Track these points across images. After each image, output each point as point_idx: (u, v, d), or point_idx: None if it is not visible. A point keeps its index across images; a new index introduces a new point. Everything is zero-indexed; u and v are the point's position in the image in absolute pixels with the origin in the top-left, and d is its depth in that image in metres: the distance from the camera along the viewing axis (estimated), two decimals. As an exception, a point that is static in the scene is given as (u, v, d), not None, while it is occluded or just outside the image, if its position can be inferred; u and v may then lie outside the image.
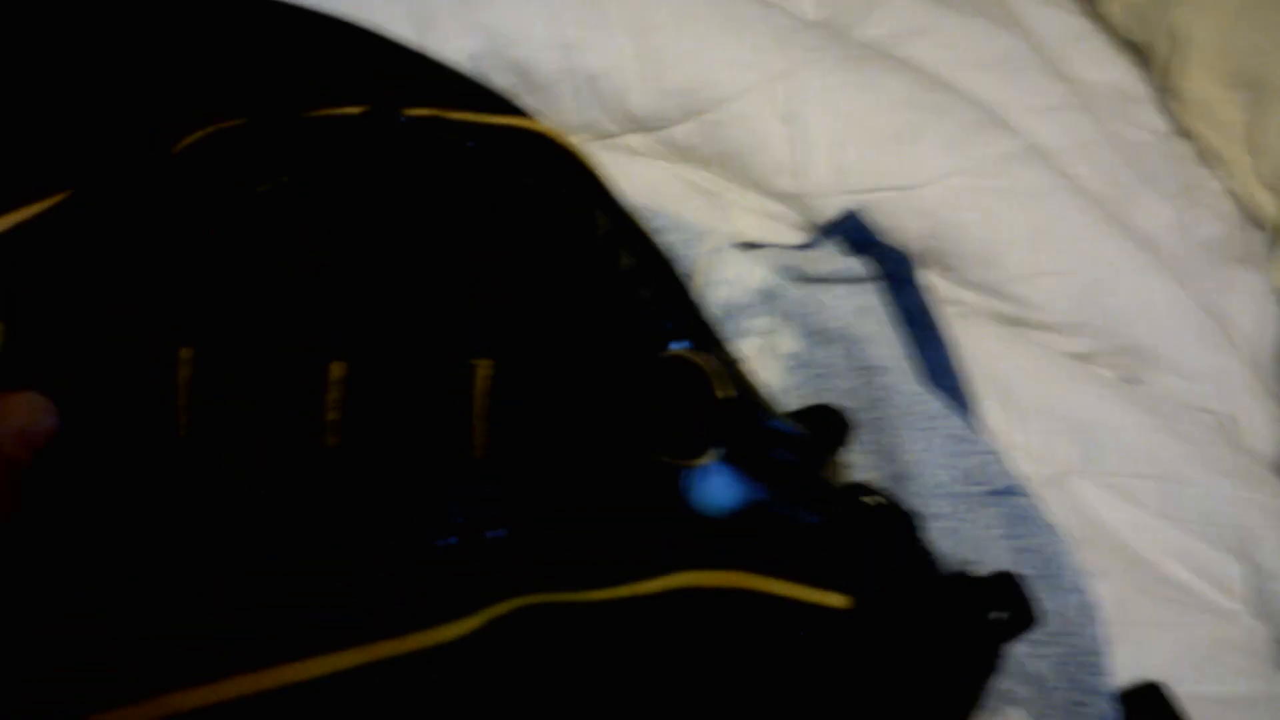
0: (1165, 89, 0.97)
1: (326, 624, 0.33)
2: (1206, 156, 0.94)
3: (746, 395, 0.56)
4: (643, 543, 0.40)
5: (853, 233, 0.72)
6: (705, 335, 0.59)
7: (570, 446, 0.42)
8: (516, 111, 0.47)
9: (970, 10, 0.93)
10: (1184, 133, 0.96)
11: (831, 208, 0.74)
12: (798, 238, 0.76)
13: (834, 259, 0.70)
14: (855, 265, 0.70)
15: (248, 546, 0.35)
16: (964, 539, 0.59)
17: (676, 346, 0.52)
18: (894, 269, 0.71)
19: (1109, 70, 0.99)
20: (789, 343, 0.66)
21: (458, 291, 0.42)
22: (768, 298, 0.66)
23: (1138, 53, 1.00)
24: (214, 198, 0.39)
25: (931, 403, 0.63)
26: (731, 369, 0.59)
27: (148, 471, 0.35)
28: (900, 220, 0.73)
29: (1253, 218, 0.91)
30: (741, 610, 0.41)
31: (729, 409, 0.49)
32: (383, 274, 0.41)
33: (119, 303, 0.36)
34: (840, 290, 0.68)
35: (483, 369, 0.40)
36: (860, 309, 0.68)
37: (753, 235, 0.75)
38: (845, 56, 0.77)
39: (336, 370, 0.37)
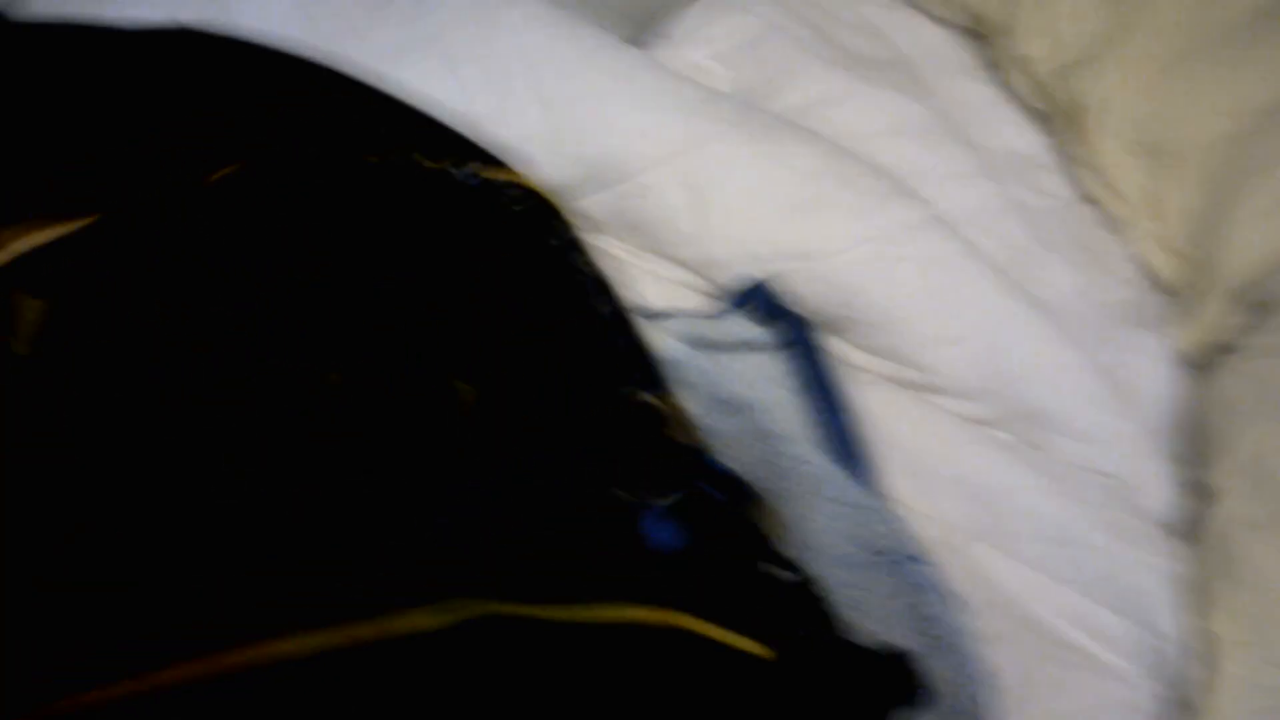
0: (1070, 156, 0.99)
1: (298, 604, 0.33)
2: (1110, 222, 0.97)
3: (697, 441, 0.58)
4: (600, 571, 0.42)
5: (759, 302, 0.74)
6: (662, 385, 0.60)
7: (537, 471, 0.44)
8: (506, 167, 0.51)
9: (882, 80, 0.96)
10: (1089, 198, 0.98)
11: (737, 277, 0.75)
12: (705, 305, 0.77)
13: (739, 327, 0.71)
14: (761, 333, 0.71)
15: (228, 524, 0.36)
16: (865, 607, 0.60)
17: (645, 393, 0.55)
18: (799, 337, 0.72)
19: (1016, 138, 1.02)
20: (692, 411, 0.67)
21: (447, 317, 0.45)
22: (671, 367, 0.67)
23: (1045, 120, 1.03)
24: (245, 222, 0.42)
25: (831, 470, 0.64)
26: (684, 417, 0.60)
27: (153, 453, 0.36)
28: (805, 289, 0.75)
29: (1155, 282, 0.93)
30: (677, 650, 0.43)
31: (685, 453, 0.51)
32: (381, 298, 0.43)
33: (146, 306, 0.38)
34: (745, 358, 0.70)
35: (465, 392, 0.42)
36: (764, 376, 0.69)
37: (660, 303, 0.76)
38: (755, 128, 0.78)
39: (334, 379, 0.40)
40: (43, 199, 0.39)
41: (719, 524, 0.52)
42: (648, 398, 0.48)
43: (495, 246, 0.49)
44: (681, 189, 0.75)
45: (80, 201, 0.40)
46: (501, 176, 0.51)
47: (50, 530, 0.34)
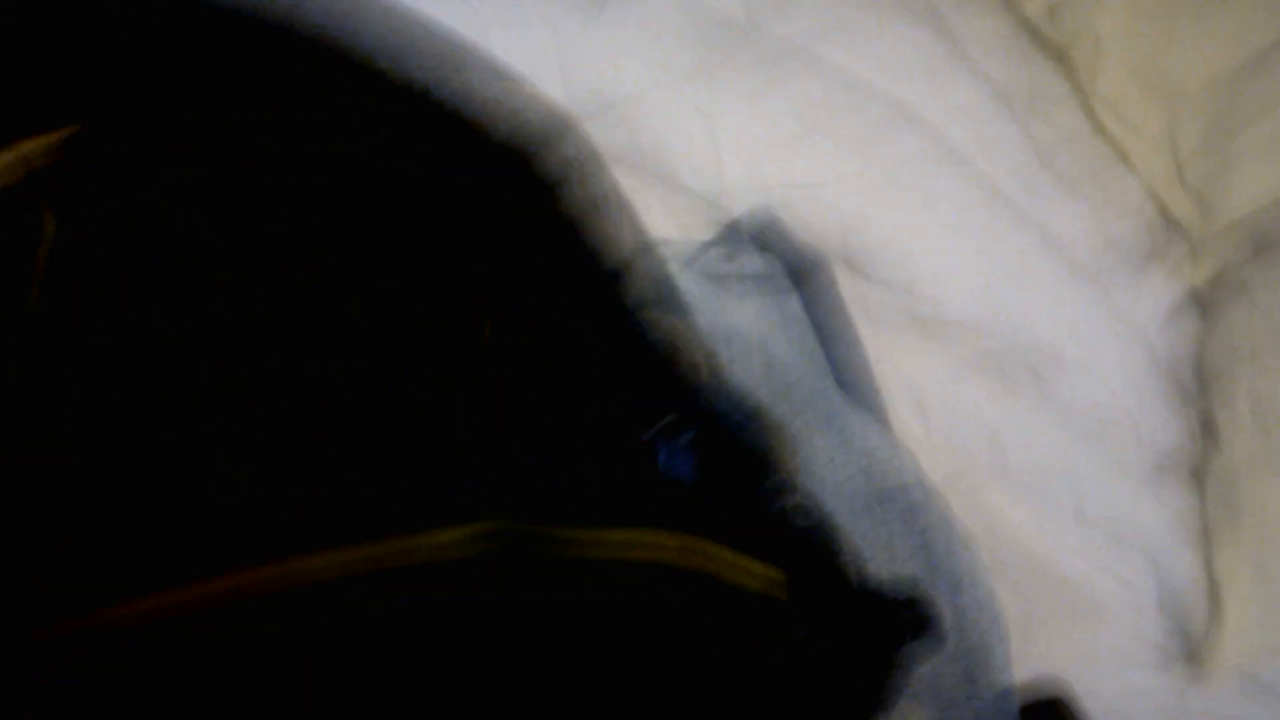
0: (1082, 89, 0.97)
1: (317, 521, 0.33)
2: (1122, 156, 0.95)
3: (707, 363, 0.58)
4: (613, 492, 0.43)
5: (763, 230, 0.72)
6: (676, 311, 0.60)
7: (550, 392, 0.44)
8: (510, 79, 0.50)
9: (889, 9, 0.93)
10: (1100, 132, 0.97)
11: (741, 205, 0.74)
12: (716, 236, 0.76)
13: (739, 257, 0.70)
14: (764, 262, 0.70)
15: (243, 435, 0.35)
16: (865, 535, 0.59)
17: (659, 317, 0.55)
18: (803, 267, 0.71)
19: (1027, 70, 1.00)
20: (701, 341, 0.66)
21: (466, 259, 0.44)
22: (680, 295, 0.66)
23: (1057, 53, 1.01)
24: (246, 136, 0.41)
25: (835, 400, 0.63)
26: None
27: (169, 376, 0.35)
28: (809, 218, 0.73)
29: (1169, 217, 0.92)
30: (695, 580, 0.43)
31: (695, 375, 0.51)
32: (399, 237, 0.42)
33: (156, 226, 0.38)
34: (748, 286, 0.68)
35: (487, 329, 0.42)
36: (768, 306, 0.68)
37: (666, 233, 0.75)
38: (758, 54, 0.77)
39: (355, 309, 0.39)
40: (40, 109, 0.38)
41: (732, 454, 0.51)
42: (658, 317, 0.48)
43: (497, 178, 0.48)
44: (686, 115, 0.73)
45: (75, 111, 0.38)
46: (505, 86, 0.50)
47: (69, 447, 0.33)
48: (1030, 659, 0.60)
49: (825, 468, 0.60)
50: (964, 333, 0.75)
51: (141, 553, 0.31)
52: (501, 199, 0.49)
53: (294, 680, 0.31)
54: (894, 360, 0.70)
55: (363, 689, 0.32)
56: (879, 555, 0.58)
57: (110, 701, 0.29)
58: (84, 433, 0.34)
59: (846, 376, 0.67)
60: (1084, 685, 0.60)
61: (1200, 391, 0.79)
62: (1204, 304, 0.85)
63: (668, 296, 0.56)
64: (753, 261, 0.69)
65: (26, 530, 0.30)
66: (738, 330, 0.65)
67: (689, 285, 0.66)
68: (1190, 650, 0.65)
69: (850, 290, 0.74)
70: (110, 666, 0.29)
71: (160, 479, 0.33)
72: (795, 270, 0.70)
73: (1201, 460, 0.75)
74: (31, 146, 0.36)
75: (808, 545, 0.55)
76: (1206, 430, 0.76)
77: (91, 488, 0.32)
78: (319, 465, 0.36)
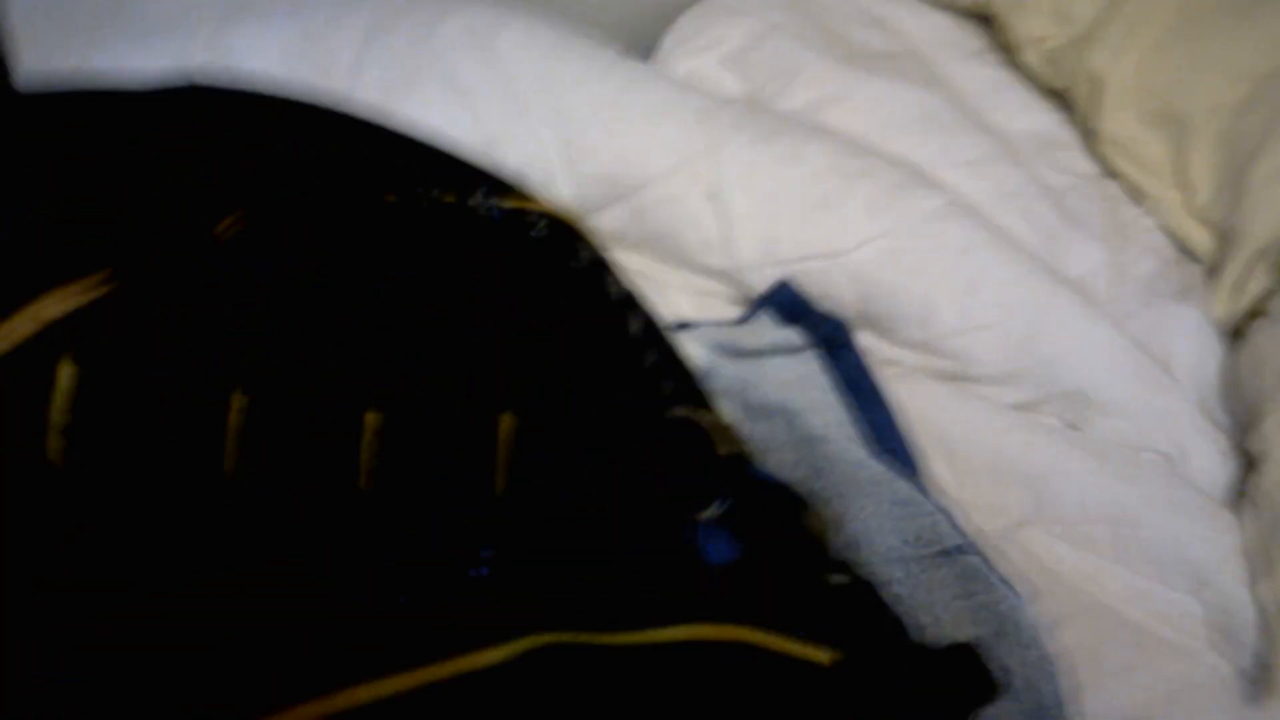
0: (1089, 132, 0.98)
1: (372, 651, 0.34)
2: (1135, 195, 0.96)
3: (740, 450, 0.58)
4: (656, 591, 0.42)
5: (786, 303, 0.73)
6: (700, 397, 0.60)
7: (585, 494, 0.44)
8: (532, 197, 0.51)
9: (888, 72, 0.95)
10: (1111, 174, 0.97)
11: (762, 280, 0.74)
12: (732, 312, 0.77)
13: (768, 331, 0.70)
14: (790, 335, 0.70)
15: (289, 580, 0.35)
16: (918, 602, 0.59)
17: (683, 407, 0.55)
18: (829, 336, 0.71)
19: (1032, 119, 1.01)
20: (730, 419, 0.66)
21: (483, 349, 0.45)
22: (705, 377, 0.67)
23: (1059, 99, 1.02)
24: (264, 266, 0.42)
25: (875, 468, 0.63)
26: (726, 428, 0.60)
27: (197, 507, 0.36)
28: (832, 287, 0.74)
29: (1184, 251, 0.92)
30: (741, 662, 0.43)
31: (730, 465, 0.51)
32: (415, 335, 0.44)
33: (179, 357, 0.39)
34: (777, 362, 0.69)
35: (505, 422, 0.42)
36: (799, 378, 0.68)
37: (687, 314, 0.75)
38: (765, 130, 0.78)
39: (372, 420, 0.40)
40: (59, 266, 0.39)
41: (770, 532, 0.51)
42: (686, 412, 0.48)
43: (520, 274, 0.49)
44: (701, 196, 0.74)
45: (95, 263, 0.40)
46: (519, 204, 0.51)
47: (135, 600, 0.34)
48: (1102, 700, 0.59)
49: (874, 538, 0.60)
50: (993, 385, 0.75)
51: (220, 687, 0.31)
52: (528, 297, 0.49)
53: None
54: (930, 419, 0.70)
55: None
56: (939, 621, 0.57)
57: None
58: (134, 581, 0.35)
59: (885, 440, 0.67)
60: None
61: (1234, 422, 0.79)
62: (1232, 334, 0.85)
63: (698, 385, 0.57)
64: (779, 335, 0.69)
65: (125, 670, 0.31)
66: (771, 407, 0.65)
67: (718, 367, 0.66)
68: (1255, 679, 0.64)
69: (878, 353, 0.75)
70: None
71: (229, 622, 0.33)
72: (822, 340, 0.71)
73: (1241, 489, 0.74)
74: (45, 303, 0.37)
75: (864, 619, 0.54)
76: (1244, 460, 0.75)
77: (168, 634, 0.33)
78: (362, 593, 0.36)
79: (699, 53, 0.95)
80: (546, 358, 0.46)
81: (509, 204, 0.51)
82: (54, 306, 0.38)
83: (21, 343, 0.36)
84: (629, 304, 0.51)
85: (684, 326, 0.70)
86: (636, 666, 0.39)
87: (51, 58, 0.62)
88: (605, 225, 0.76)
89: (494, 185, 0.53)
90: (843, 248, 0.74)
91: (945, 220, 0.76)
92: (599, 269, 0.52)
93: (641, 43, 0.99)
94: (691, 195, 0.74)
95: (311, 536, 0.38)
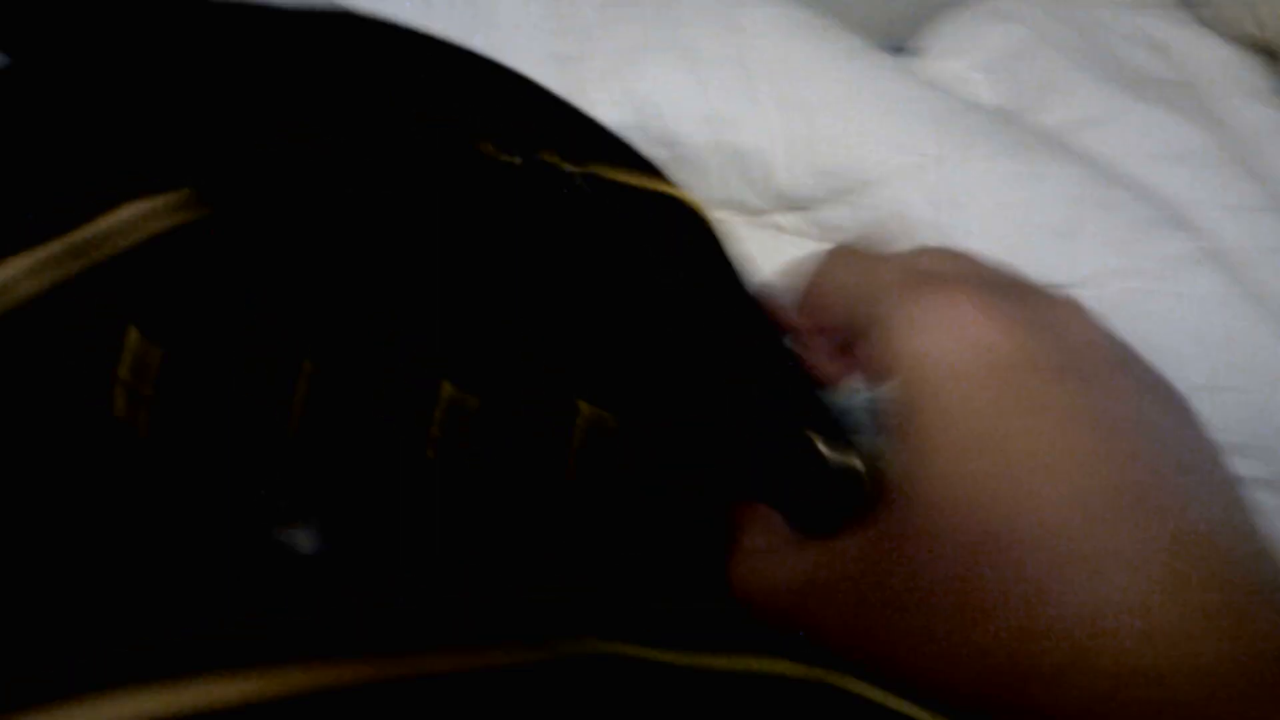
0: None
1: (425, 626, 0.33)
2: None
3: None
4: (730, 614, 0.39)
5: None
6: (829, 425, 0.56)
7: (675, 504, 0.42)
8: (663, 177, 0.47)
9: (1158, 99, 0.87)
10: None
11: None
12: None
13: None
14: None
15: (350, 550, 0.35)
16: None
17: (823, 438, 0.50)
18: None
19: (1315, 170, 0.91)
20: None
21: (570, 330, 0.42)
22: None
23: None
24: (352, 216, 0.41)
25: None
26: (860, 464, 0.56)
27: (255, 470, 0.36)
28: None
29: None
30: (827, 707, 0.39)
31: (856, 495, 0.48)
32: (502, 307, 0.42)
33: (256, 314, 0.37)
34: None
35: (583, 410, 0.40)
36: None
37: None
38: (1010, 143, 0.73)
39: (446, 389, 0.39)
40: (147, 170, 0.38)
41: None
42: (839, 455, 0.43)
43: (633, 258, 0.45)
44: (926, 204, 0.70)
45: (185, 177, 0.39)
46: (638, 182, 0.47)
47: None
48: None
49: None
50: (1231, 455, 0.68)
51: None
52: (619, 277, 0.45)
53: None
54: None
55: None
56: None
57: None
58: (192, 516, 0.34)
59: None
60: None
61: None
62: None
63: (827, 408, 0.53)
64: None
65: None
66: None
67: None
68: None
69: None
70: None
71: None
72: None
73: None
74: (125, 212, 0.36)
75: None
76: None
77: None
78: (422, 578, 0.35)
79: (957, 55, 0.90)
80: (662, 352, 0.42)
81: (628, 179, 0.48)
82: (136, 220, 0.37)
83: (102, 261, 0.36)
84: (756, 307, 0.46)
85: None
86: (697, 691, 0.36)
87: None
88: (828, 221, 0.73)
89: (633, 161, 0.49)
90: (1073, 280, 0.68)
91: (1194, 267, 0.70)
92: (723, 264, 0.47)
93: (889, 42, 0.95)
94: (918, 201, 0.71)
95: (388, 509, 0.37)
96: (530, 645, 0.33)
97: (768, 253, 0.64)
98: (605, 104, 0.70)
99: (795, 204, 0.74)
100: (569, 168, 0.44)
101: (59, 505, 0.33)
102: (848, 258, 0.34)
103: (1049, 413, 0.26)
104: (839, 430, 0.38)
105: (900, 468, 0.28)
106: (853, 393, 0.36)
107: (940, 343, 0.27)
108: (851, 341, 0.33)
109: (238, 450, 0.36)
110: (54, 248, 0.35)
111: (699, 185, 0.73)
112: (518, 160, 0.43)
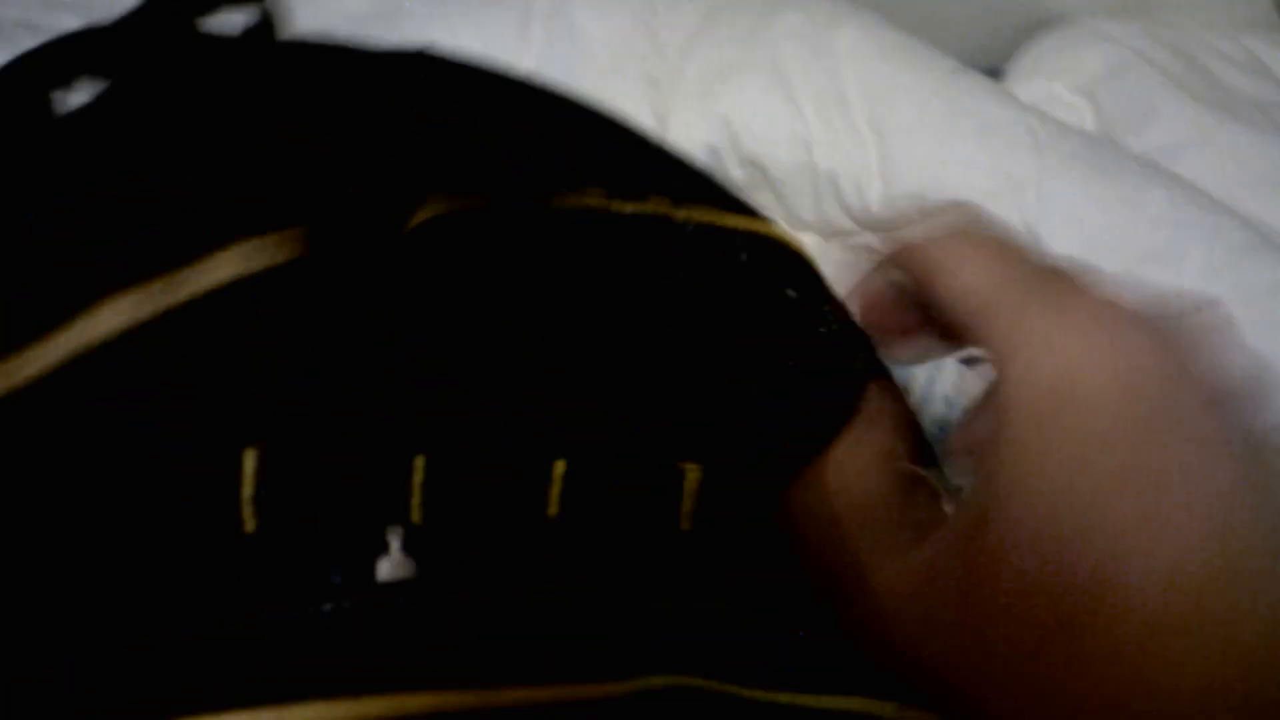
0: None
1: (524, 660, 0.34)
2: None
3: None
4: (820, 653, 0.38)
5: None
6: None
7: (762, 549, 0.41)
8: (753, 213, 0.46)
9: (1261, 123, 0.86)
10: None
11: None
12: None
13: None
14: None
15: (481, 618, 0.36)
16: None
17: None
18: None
19: None
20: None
21: (673, 388, 0.41)
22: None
23: None
24: (445, 274, 0.40)
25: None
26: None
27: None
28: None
29: None
30: None
31: None
32: (600, 369, 0.41)
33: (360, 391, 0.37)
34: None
35: (692, 473, 0.40)
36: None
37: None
38: (1105, 166, 0.72)
39: (560, 468, 0.38)
40: (245, 214, 0.38)
41: None
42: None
43: (720, 301, 0.43)
44: (1023, 227, 0.69)
45: (278, 216, 0.38)
46: (740, 224, 0.46)
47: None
48: None
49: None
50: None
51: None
52: (723, 330, 0.44)
53: None
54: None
55: None
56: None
57: None
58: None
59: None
60: None
61: None
62: None
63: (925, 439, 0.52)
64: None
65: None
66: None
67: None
68: None
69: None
70: None
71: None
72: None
73: None
74: (232, 255, 0.36)
75: None
76: None
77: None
78: (514, 608, 0.35)
79: (1054, 76, 0.89)
80: (740, 398, 0.41)
81: (723, 220, 0.47)
82: (224, 265, 0.36)
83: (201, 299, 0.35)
84: (854, 342, 0.45)
85: (975, 361, 0.66)
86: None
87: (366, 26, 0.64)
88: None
89: (719, 200, 0.48)
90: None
91: (1293, 295, 0.68)
92: (818, 301, 0.45)
93: (985, 63, 0.94)
94: (1014, 224, 0.70)
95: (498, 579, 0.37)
96: (623, 679, 0.33)
97: (859, 275, 0.64)
98: (695, 124, 0.71)
99: (888, 225, 0.74)
100: (680, 215, 0.43)
101: (161, 543, 0.34)
102: (971, 248, 0.31)
103: (1195, 445, 0.24)
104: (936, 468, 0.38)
105: (1016, 477, 0.26)
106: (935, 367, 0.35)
107: (1089, 358, 0.26)
108: (951, 325, 0.31)
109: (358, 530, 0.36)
110: (153, 287, 0.35)
111: (786, 207, 0.73)
112: (629, 209, 0.43)
